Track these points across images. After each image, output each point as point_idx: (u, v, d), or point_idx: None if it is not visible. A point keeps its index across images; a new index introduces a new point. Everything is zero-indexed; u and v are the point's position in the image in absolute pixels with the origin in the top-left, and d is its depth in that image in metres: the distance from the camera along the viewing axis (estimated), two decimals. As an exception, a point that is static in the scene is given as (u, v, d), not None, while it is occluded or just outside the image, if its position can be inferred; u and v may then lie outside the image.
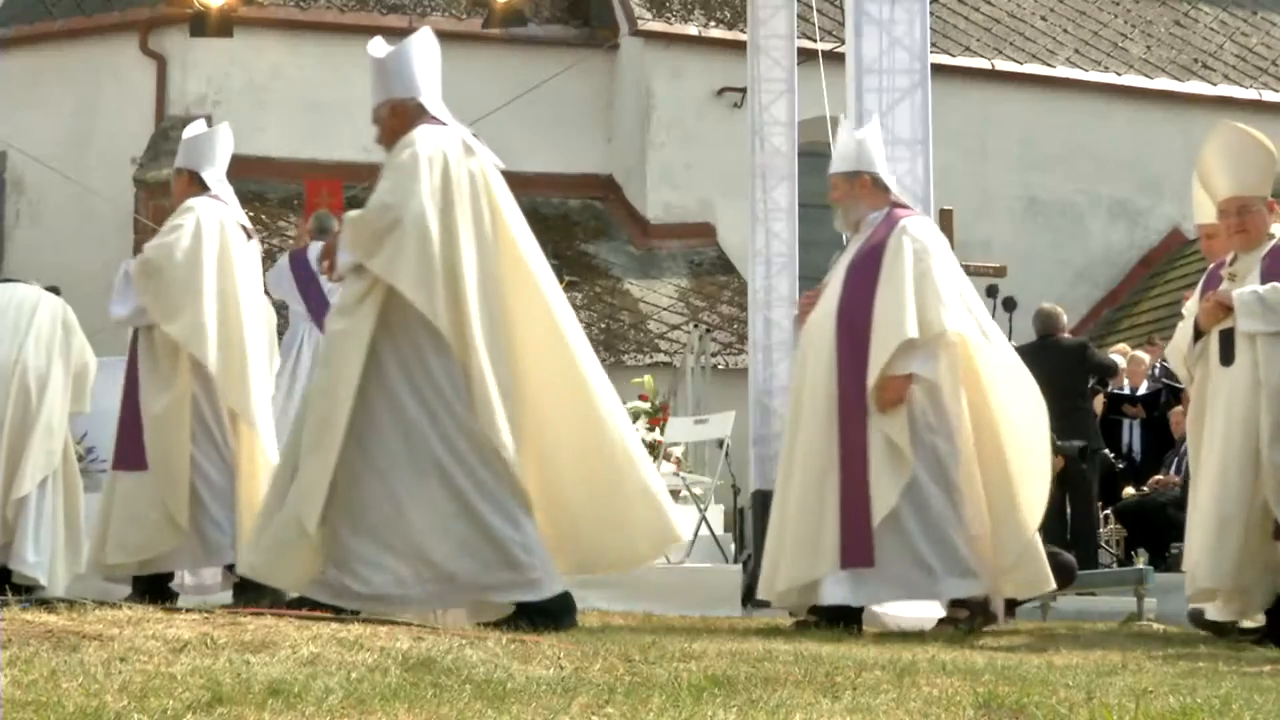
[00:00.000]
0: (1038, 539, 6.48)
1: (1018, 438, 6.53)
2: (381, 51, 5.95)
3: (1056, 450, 8.03)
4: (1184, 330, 6.69)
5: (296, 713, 3.15)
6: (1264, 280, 6.37)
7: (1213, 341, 6.48)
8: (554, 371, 5.58)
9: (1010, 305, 13.04)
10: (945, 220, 14.46)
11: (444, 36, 22.23)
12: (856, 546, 6.11)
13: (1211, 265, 6.91)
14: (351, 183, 17.51)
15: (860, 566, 6.12)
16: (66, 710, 3.03)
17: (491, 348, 5.41)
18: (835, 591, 6.17)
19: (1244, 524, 6.18)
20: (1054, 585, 6.62)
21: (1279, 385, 6.25)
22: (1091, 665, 4.86)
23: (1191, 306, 6.71)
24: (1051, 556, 8.12)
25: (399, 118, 5.87)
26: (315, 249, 11.81)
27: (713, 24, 19.12)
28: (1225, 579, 6.22)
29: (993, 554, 6.32)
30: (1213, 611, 6.52)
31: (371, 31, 21.43)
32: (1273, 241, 6.50)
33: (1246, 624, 6.51)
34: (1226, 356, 6.42)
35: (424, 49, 6.00)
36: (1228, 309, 6.36)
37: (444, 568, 5.30)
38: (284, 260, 10.72)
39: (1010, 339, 12.80)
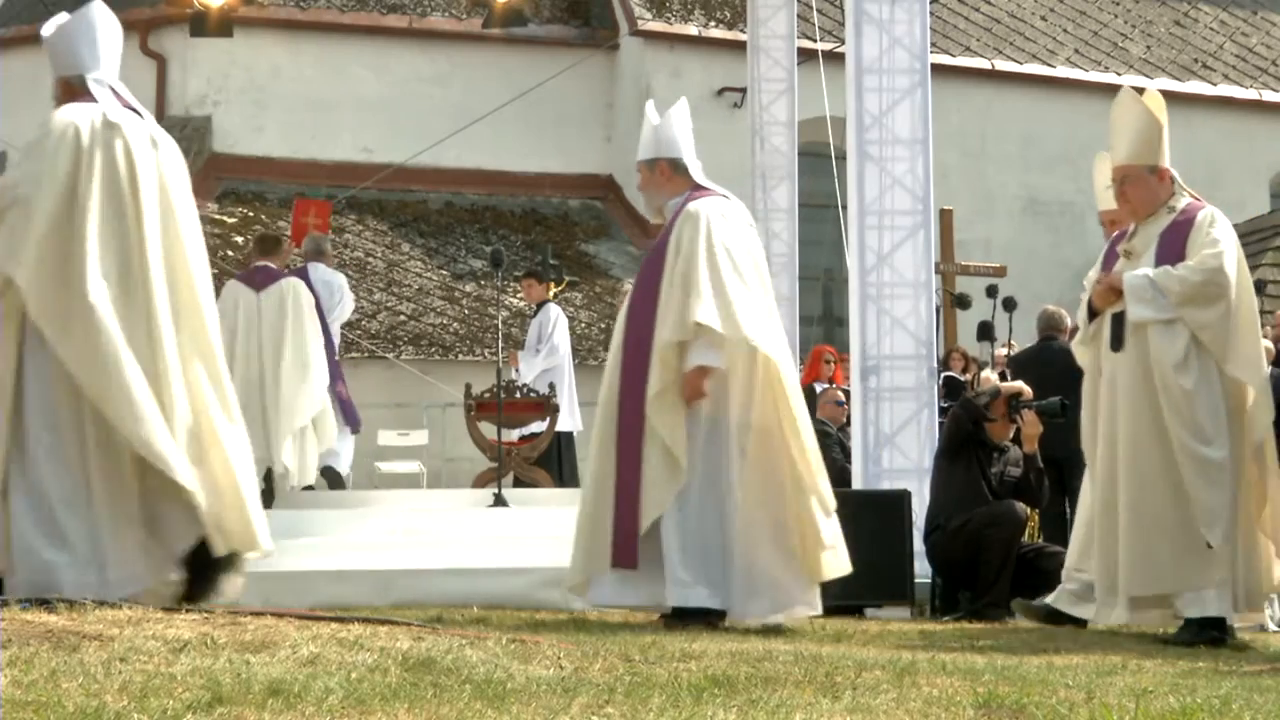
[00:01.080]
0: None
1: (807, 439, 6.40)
2: (50, 28, 5.77)
3: (1036, 410, 8.03)
4: (1080, 310, 6.42)
5: (296, 713, 3.14)
6: (1158, 260, 6.11)
7: (1105, 325, 6.19)
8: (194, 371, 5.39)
9: (1010, 305, 13.02)
10: (945, 220, 14.50)
11: (444, 36, 22.28)
12: (624, 548, 6.08)
13: (1110, 240, 6.68)
14: (351, 183, 17.52)
15: (625, 568, 6.09)
16: (66, 710, 3.03)
17: (124, 333, 5.21)
18: (601, 592, 6.17)
19: (1169, 525, 5.96)
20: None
21: (1171, 375, 5.97)
22: (1091, 665, 4.86)
23: (1090, 282, 6.42)
24: (1054, 556, 8.14)
25: (62, 95, 5.63)
26: (319, 270, 11.92)
27: (713, 24, 19.12)
28: (1166, 584, 6.00)
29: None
30: (1088, 611, 6.43)
31: (371, 31, 21.48)
32: (1172, 216, 6.23)
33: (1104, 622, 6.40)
34: (1116, 341, 6.13)
35: (89, 23, 5.73)
36: (1120, 292, 6.11)
37: None
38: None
39: (1010, 339, 12.83)
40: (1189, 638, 5.93)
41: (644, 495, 6.02)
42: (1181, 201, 6.26)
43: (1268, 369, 6.40)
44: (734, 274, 6.14)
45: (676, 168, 6.60)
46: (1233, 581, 5.99)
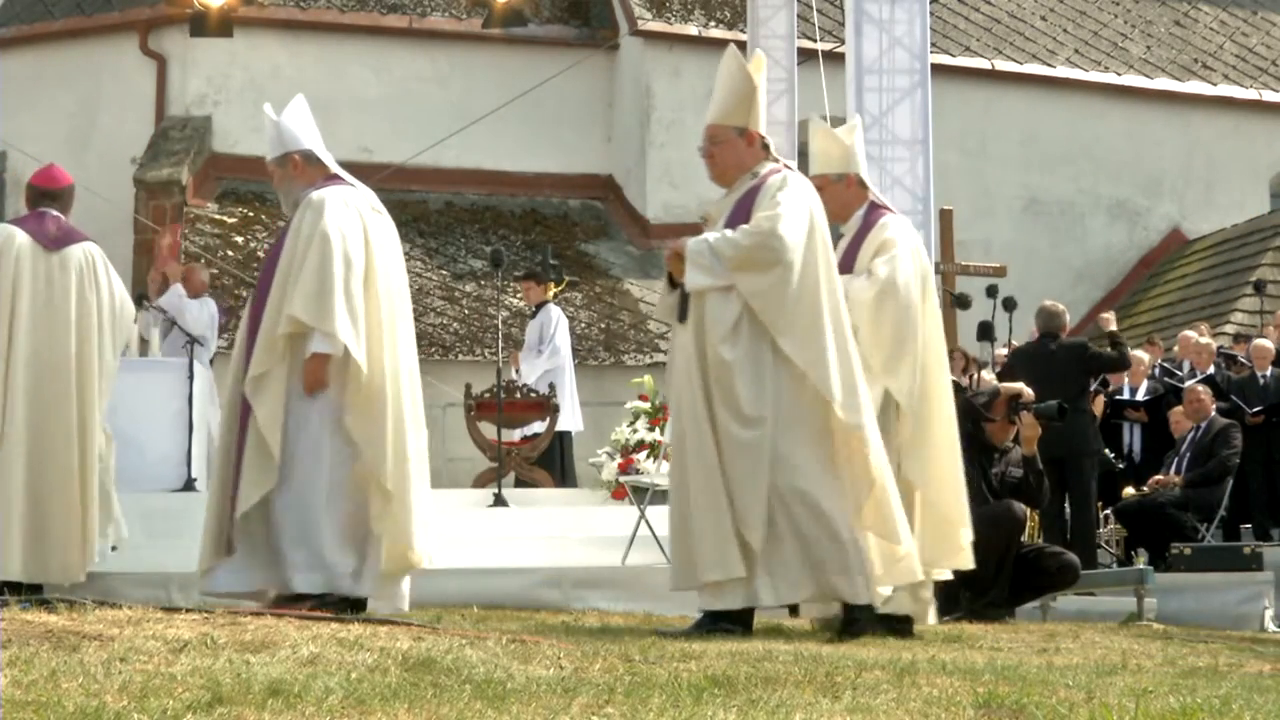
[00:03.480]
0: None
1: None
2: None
3: (1035, 412, 8.02)
4: (662, 280, 6.04)
5: (296, 713, 3.14)
6: (728, 226, 5.71)
7: (674, 295, 5.80)
8: None
9: (1010, 305, 13.01)
10: (945, 220, 14.50)
11: (444, 36, 22.33)
12: (227, 535, 6.12)
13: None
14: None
15: (228, 555, 6.10)
16: (66, 710, 3.03)
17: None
18: (213, 580, 6.11)
19: (706, 509, 5.47)
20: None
21: (716, 345, 5.52)
22: (1091, 665, 4.86)
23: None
24: (1054, 556, 8.15)
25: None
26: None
27: (713, 24, 19.12)
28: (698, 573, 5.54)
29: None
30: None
31: (371, 31, 21.50)
32: (752, 181, 5.81)
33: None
34: (682, 312, 5.68)
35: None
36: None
37: None
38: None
39: (1010, 338, 12.84)
40: (699, 630, 5.50)
41: (242, 480, 6.03)
42: (765, 167, 5.81)
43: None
44: (342, 263, 6.09)
45: (309, 159, 6.61)
46: (783, 568, 5.49)
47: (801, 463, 5.49)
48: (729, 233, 5.64)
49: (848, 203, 6.34)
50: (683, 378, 5.62)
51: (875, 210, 6.34)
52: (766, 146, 5.88)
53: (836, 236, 6.14)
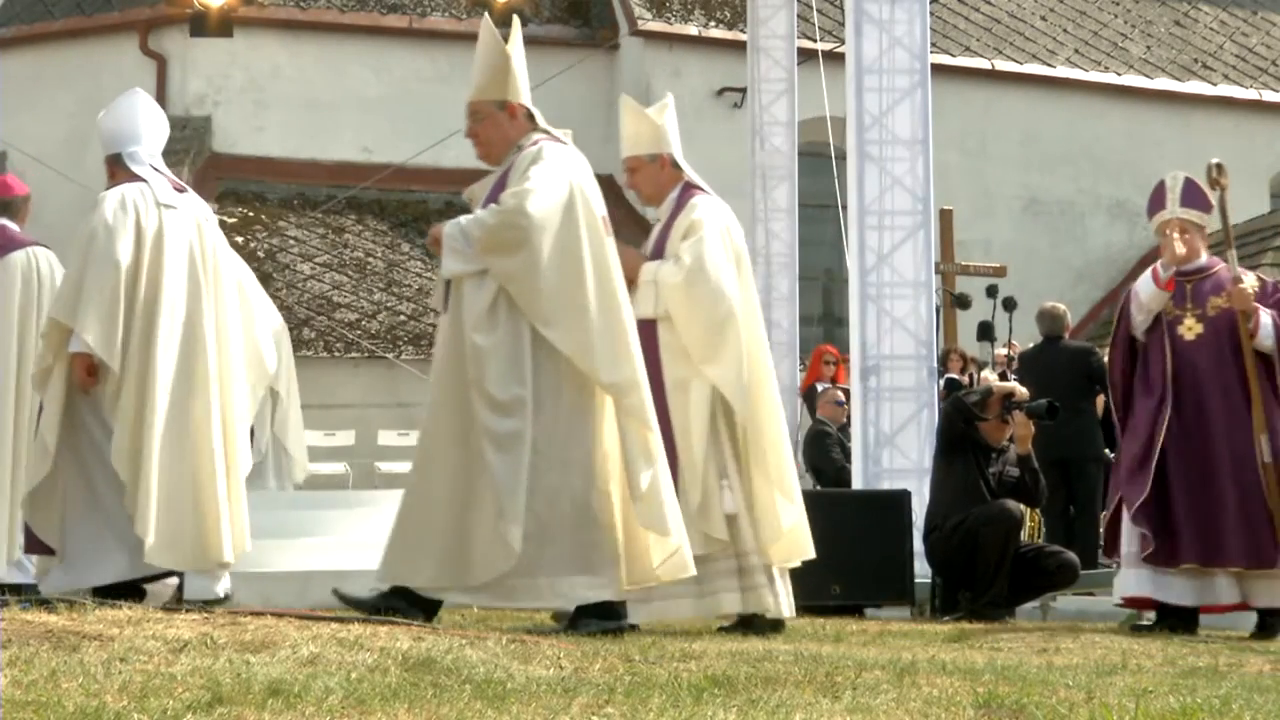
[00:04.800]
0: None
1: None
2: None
3: (1026, 411, 8.02)
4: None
5: (296, 713, 3.14)
6: (487, 203, 5.47)
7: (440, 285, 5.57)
8: None
9: (1010, 305, 13.03)
10: (945, 220, 14.51)
11: (444, 36, 22.38)
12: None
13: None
14: (350, 183, 17.52)
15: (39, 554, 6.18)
16: (66, 710, 3.03)
17: None
18: (50, 581, 6.07)
19: (453, 504, 5.26)
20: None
21: (469, 331, 5.26)
22: (1091, 665, 4.86)
23: None
24: (1053, 556, 8.15)
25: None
26: None
27: (713, 24, 19.13)
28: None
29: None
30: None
31: (371, 31, 21.53)
32: (515, 156, 5.57)
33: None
34: (445, 301, 5.42)
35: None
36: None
37: None
38: None
39: (1010, 338, 12.85)
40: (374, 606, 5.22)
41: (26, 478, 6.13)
42: (530, 140, 5.59)
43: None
44: (101, 263, 6.05)
45: (117, 162, 6.50)
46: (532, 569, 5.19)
47: (563, 454, 5.24)
48: (480, 213, 5.38)
49: (661, 184, 6.23)
50: (440, 368, 5.40)
51: (687, 191, 6.19)
52: (532, 117, 5.66)
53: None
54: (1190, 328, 6.96)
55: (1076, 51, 20.72)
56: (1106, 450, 11.55)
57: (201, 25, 14.81)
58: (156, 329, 6.08)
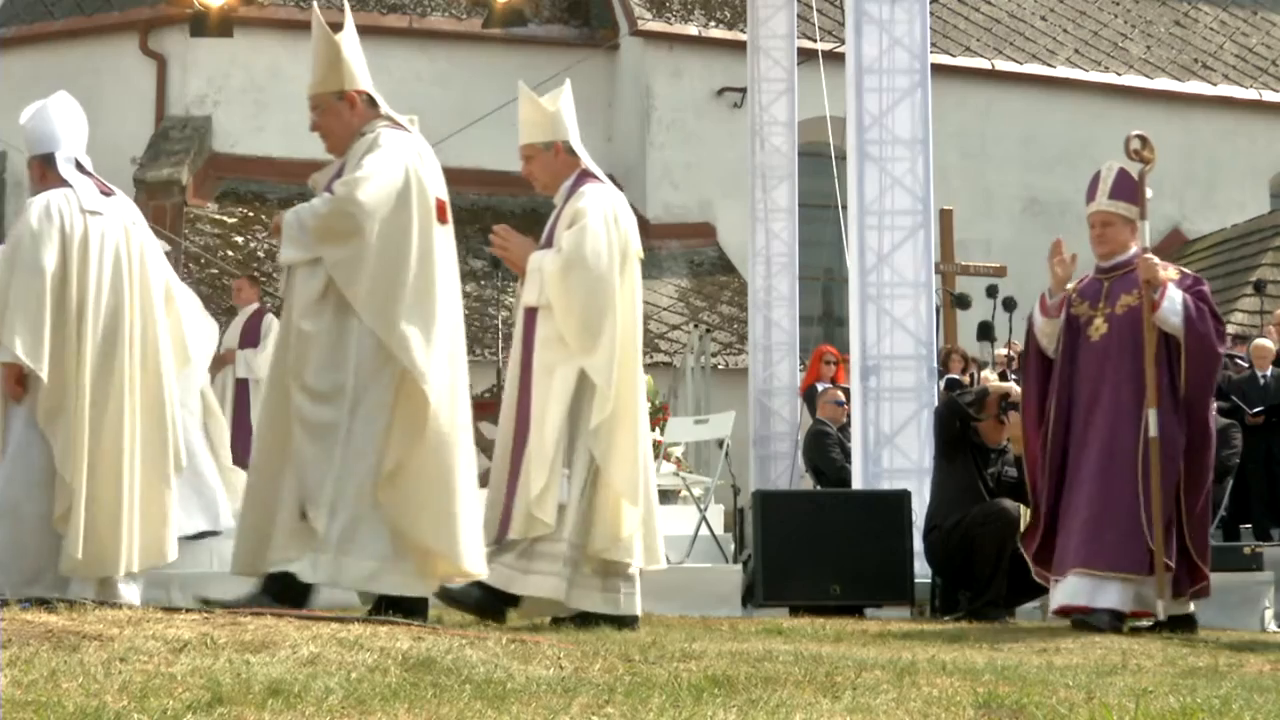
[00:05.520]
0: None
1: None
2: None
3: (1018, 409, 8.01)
4: None
5: (296, 713, 3.14)
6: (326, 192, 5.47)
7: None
8: None
9: (1010, 305, 13.03)
10: (945, 220, 14.50)
11: (444, 36, 22.35)
12: None
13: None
14: (351, 183, 17.52)
15: None
16: (66, 710, 3.03)
17: None
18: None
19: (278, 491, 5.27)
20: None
21: (295, 319, 5.29)
22: (1091, 665, 4.86)
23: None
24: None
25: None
26: None
27: (713, 24, 19.12)
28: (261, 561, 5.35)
29: None
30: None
31: (371, 31, 21.52)
32: (357, 144, 5.55)
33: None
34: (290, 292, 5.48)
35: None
36: None
37: None
38: None
39: (1010, 338, 12.84)
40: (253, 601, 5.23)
41: None
42: (372, 127, 5.58)
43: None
44: (26, 271, 6.00)
45: (47, 163, 6.46)
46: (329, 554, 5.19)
47: (376, 445, 5.23)
48: (315, 201, 5.40)
49: (557, 172, 6.21)
50: (274, 356, 5.47)
51: (581, 179, 6.17)
52: (374, 104, 5.67)
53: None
54: (1097, 328, 6.75)
55: (1076, 51, 20.71)
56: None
57: (201, 25, 14.80)
58: (85, 337, 6.02)
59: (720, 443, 11.33)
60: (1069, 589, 6.59)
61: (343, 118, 5.61)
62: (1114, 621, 6.53)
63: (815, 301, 18.14)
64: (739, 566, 9.15)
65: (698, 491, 10.70)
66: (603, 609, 5.82)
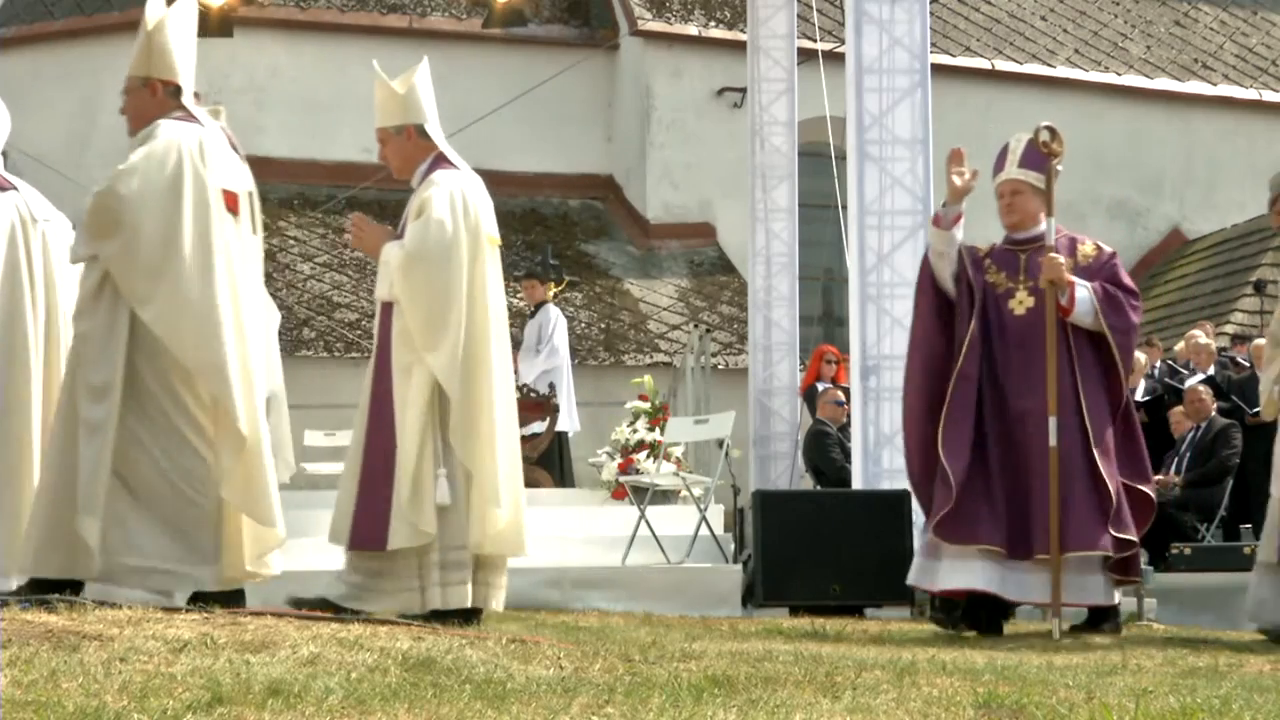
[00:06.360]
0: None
1: None
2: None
3: None
4: None
5: (296, 713, 3.14)
6: None
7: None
8: None
9: (1010, 305, 13.00)
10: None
11: (444, 36, 22.36)
12: None
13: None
14: (351, 183, 17.52)
15: None
16: (66, 710, 3.03)
17: None
18: None
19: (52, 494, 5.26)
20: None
21: (77, 321, 5.31)
22: (1091, 665, 4.86)
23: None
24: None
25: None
26: None
27: (713, 24, 19.12)
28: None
29: None
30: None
31: (371, 32, 21.52)
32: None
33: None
34: None
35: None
36: None
37: None
38: None
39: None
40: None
41: None
42: (161, 120, 5.53)
43: None
44: None
45: None
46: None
47: (164, 441, 5.24)
48: (88, 198, 5.37)
49: (409, 156, 6.08)
50: (68, 360, 5.46)
51: (435, 165, 6.06)
52: (179, 93, 5.62)
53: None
54: (1021, 301, 6.51)
55: (1076, 51, 20.71)
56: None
57: (202, 25, 14.77)
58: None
59: (720, 443, 11.33)
60: (978, 572, 6.28)
61: (142, 104, 5.59)
62: (994, 616, 6.37)
63: (815, 301, 18.13)
64: (739, 566, 9.16)
65: (698, 492, 10.70)
66: (457, 604, 5.67)
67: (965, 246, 6.74)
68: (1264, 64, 21.55)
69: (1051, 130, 6.66)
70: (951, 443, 6.32)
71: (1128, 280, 6.71)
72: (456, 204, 5.87)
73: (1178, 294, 18.77)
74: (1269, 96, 20.88)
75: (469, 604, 5.59)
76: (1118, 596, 6.60)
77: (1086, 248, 6.70)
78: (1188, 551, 9.36)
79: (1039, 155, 6.69)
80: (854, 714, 3.39)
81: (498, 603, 5.80)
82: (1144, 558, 8.68)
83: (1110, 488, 6.28)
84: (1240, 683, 4.38)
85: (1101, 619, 6.52)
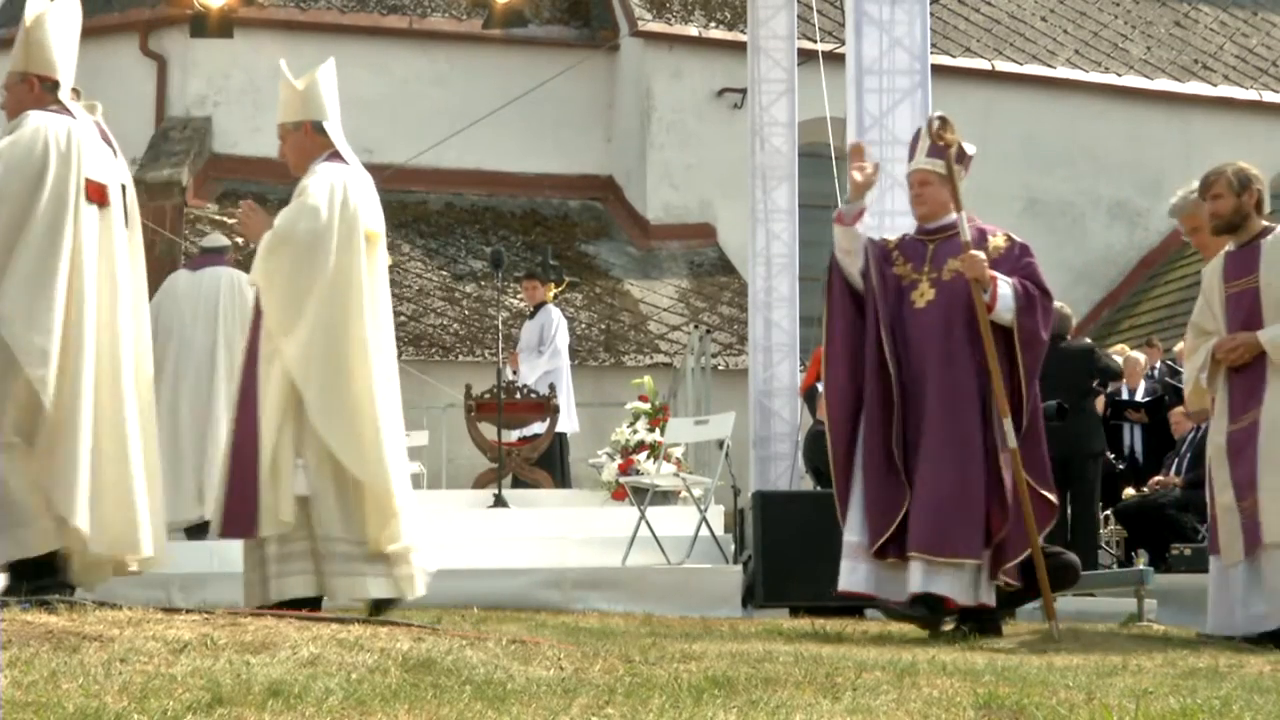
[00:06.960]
0: None
1: None
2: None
3: None
4: None
5: (296, 713, 3.14)
6: None
7: None
8: None
9: (1010, 306, 12.99)
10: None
11: (444, 37, 22.32)
12: None
13: None
14: (351, 183, 17.52)
15: None
16: (66, 711, 3.03)
17: None
18: None
19: None
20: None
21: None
22: (1091, 665, 4.86)
23: None
24: (1054, 556, 8.13)
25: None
26: None
27: (713, 24, 19.12)
28: None
29: None
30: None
31: (371, 32, 21.50)
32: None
33: None
34: None
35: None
36: None
37: None
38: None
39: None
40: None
41: None
42: (33, 112, 5.64)
43: None
44: None
45: None
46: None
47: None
48: None
49: (305, 151, 6.19)
50: None
51: (329, 160, 6.11)
52: (56, 88, 5.71)
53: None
54: (923, 294, 6.37)
55: (1076, 52, 20.71)
56: (1109, 454, 11.59)
57: (201, 26, 14.80)
58: None
59: (720, 443, 11.33)
60: (861, 574, 6.28)
61: (20, 98, 5.67)
62: (932, 613, 6.28)
63: (815, 302, 18.12)
64: (739, 567, 9.15)
65: (698, 492, 10.69)
66: (386, 594, 5.71)
67: (871, 241, 6.63)
68: (1264, 65, 21.56)
69: (943, 119, 6.51)
70: (868, 449, 6.38)
71: (1044, 279, 6.50)
72: (336, 193, 5.94)
73: (1178, 294, 18.77)
74: (1269, 97, 20.88)
75: (311, 594, 5.61)
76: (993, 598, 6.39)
77: (998, 240, 6.49)
78: (1188, 552, 9.37)
79: (940, 146, 6.51)
80: (854, 715, 3.39)
81: (412, 590, 5.80)
82: (1144, 558, 8.71)
83: (1007, 489, 6.16)
84: (1240, 684, 4.38)
85: (987, 619, 6.37)
